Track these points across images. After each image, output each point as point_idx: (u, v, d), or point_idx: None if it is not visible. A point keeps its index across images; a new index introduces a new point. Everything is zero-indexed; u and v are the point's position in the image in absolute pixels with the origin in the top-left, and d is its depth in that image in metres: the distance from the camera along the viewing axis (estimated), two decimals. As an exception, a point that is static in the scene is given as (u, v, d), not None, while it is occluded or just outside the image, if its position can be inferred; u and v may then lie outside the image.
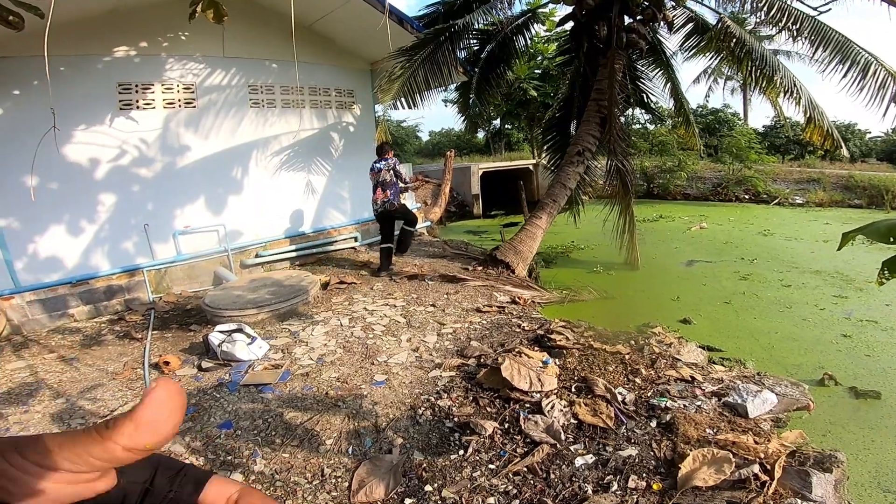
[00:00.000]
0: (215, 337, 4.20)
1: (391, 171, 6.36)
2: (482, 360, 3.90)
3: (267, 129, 7.30)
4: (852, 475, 2.69)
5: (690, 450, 2.63)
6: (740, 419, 3.05)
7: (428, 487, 2.54)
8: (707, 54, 7.90)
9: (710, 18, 7.57)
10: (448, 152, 13.89)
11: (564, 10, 7.40)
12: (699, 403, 3.25)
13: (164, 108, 6.32)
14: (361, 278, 6.43)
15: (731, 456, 2.53)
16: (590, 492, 2.47)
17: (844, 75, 5.92)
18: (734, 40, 6.19)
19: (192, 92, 6.53)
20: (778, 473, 2.43)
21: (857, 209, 13.84)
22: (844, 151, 6.71)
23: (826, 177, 15.54)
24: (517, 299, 5.51)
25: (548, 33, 16.70)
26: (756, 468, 2.47)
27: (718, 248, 8.97)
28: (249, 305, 4.99)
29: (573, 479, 2.55)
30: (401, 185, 6.51)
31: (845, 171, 15.91)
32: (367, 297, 5.60)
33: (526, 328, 4.64)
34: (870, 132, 26.26)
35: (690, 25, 7.65)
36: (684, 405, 3.23)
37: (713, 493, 2.35)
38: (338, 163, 8.16)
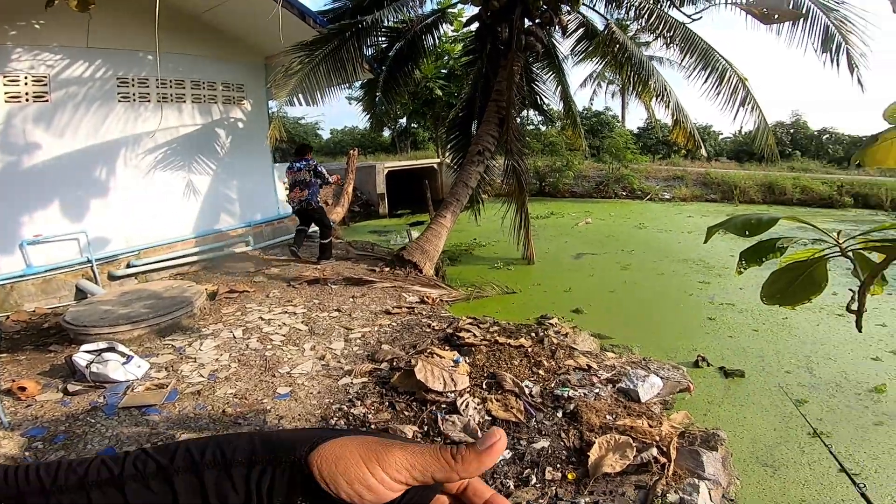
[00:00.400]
0: (81, 357, 3.64)
1: (311, 172, 6.49)
2: (395, 364, 3.83)
3: (139, 126, 6.48)
4: (734, 451, 2.98)
5: (595, 437, 2.82)
6: (634, 404, 3.33)
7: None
8: (594, 59, 8.59)
9: (599, 24, 8.23)
10: (351, 151, 13.49)
11: (472, 10, 7.58)
12: (597, 391, 3.50)
13: (7, 102, 5.37)
14: (255, 286, 5.97)
15: (631, 441, 2.74)
16: (512, 487, 2.53)
17: (705, 80, 6.78)
18: (618, 46, 6.79)
19: (45, 85, 5.63)
20: (674, 455, 2.68)
21: (713, 203, 16.11)
22: (703, 151, 7.71)
23: (688, 174, 17.85)
24: (426, 299, 5.52)
25: (455, 33, 16.97)
26: (654, 451, 2.71)
27: (602, 241, 9.84)
28: (122, 321, 4.38)
29: (495, 475, 2.60)
30: (322, 181, 6.65)
31: (703, 170, 18.41)
32: (263, 306, 5.22)
33: (436, 327, 4.65)
34: (722, 133, 30.65)
35: (581, 31, 8.26)
36: (584, 393, 3.45)
37: (622, 479, 2.53)
38: (225, 161, 7.50)
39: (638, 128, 26.24)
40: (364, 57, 7.18)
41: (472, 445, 0.44)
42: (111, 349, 3.74)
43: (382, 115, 9.68)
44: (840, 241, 1.38)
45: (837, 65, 6.23)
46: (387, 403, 3.33)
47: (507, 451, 2.79)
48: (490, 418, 3.16)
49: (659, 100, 7.53)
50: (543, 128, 21.62)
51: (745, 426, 3.43)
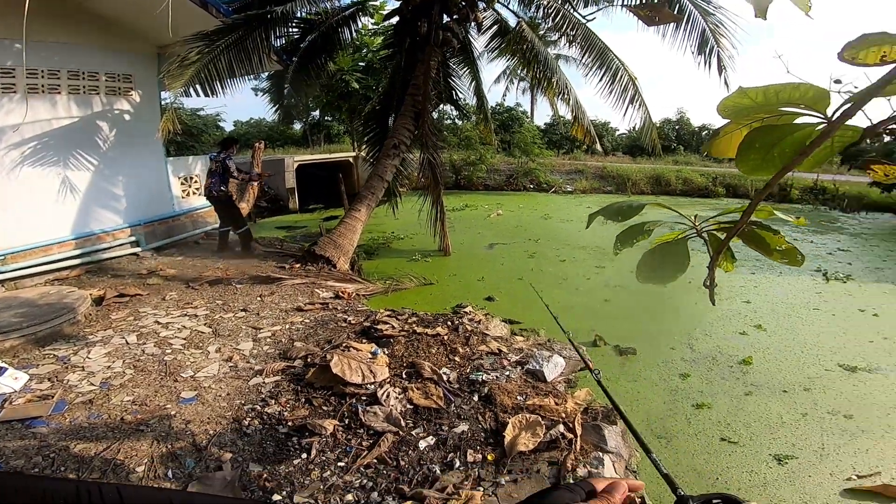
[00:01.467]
0: None
1: (219, 164, 6.78)
2: (309, 360, 3.74)
3: (2, 118, 5.60)
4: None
5: (509, 417, 2.99)
6: (541, 384, 3.58)
7: (276, 497, 2.37)
8: (506, 55, 8.95)
9: (512, 22, 8.52)
10: (256, 143, 12.77)
11: (393, 4, 7.49)
12: (508, 373, 3.71)
13: None
14: (148, 289, 5.48)
15: (540, 419, 2.94)
16: (438, 472, 2.60)
17: (601, 79, 7.34)
18: (526, 43, 7.11)
19: None
20: (579, 431, 2.92)
21: (609, 194, 17.53)
22: (599, 147, 8.36)
23: (588, 168, 19.25)
24: (341, 294, 5.42)
25: (375, 26, 16.62)
26: (561, 428, 2.93)
27: (512, 231, 10.32)
28: None
29: (421, 462, 2.66)
30: (228, 175, 6.79)
31: (601, 164, 19.95)
32: (159, 310, 4.81)
33: (352, 321, 4.60)
34: (618, 130, 33.33)
35: (495, 27, 8.50)
36: (497, 376, 3.64)
37: (536, 456, 2.71)
38: (109, 157, 6.74)
39: (545, 123, 27.72)
40: (272, 48, 6.83)
41: (612, 492, 0.64)
42: None
43: (292, 107, 9.27)
44: (697, 224, 1.61)
45: (709, 66, 7.08)
46: (303, 400, 3.25)
47: (431, 437, 2.87)
48: (412, 406, 3.23)
49: (561, 97, 8.03)
50: (459, 122, 22.09)
51: (640, 400, 3.75)
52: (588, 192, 17.74)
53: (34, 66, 5.84)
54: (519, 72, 25.45)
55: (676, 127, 30.87)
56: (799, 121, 0.95)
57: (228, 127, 30.66)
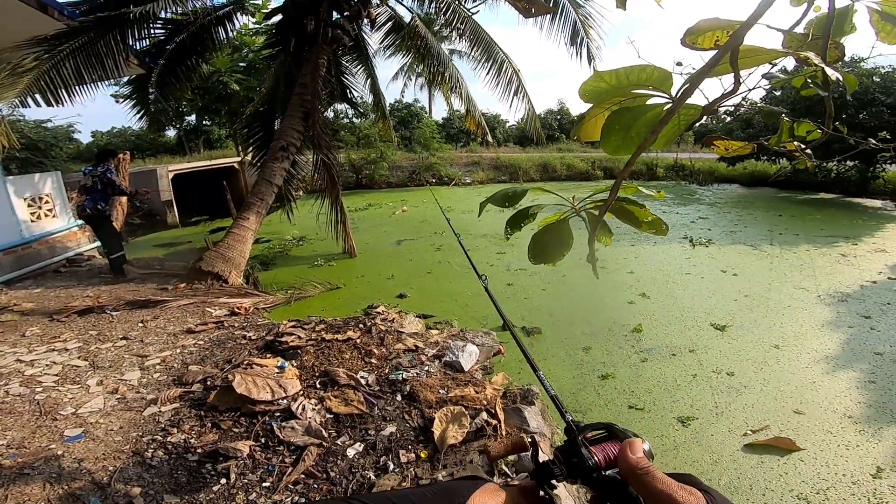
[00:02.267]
0: None
1: (96, 178, 6.14)
2: (209, 383, 3.41)
3: None
4: (547, 403, 3.32)
5: (434, 412, 2.99)
6: (459, 374, 3.63)
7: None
8: (402, 52, 8.89)
9: (407, 19, 8.46)
10: (120, 154, 11.36)
11: (277, 1, 6.99)
12: (427, 368, 3.71)
13: None
14: (3, 326, 4.62)
15: (464, 409, 2.98)
16: (373, 477, 2.52)
17: (488, 72, 7.61)
18: (420, 39, 7.11)
19: None
20: (501, 416, 3.00)
21: (504, 184, 18.36)
22: (489, 138, 8.69)
23: (484, 160, 20.00)
24: (237, 309, 5.03)
25: (256, 25, 15.50)
26: (485, 415, 2.99)
27: (417, 227, 10.39)
28: None
29: (353, 470, 2.56)
30: (112, 190, 6.22)
31: (494, 155, 20.82)
32: (19, 347, 4.08)
33: (252, 337, 4.29)
34: (508, 122, 34.96)
35: (390, 24, 8.38)
36: (417, 373, 3.62)
37: (467, 447, 2.73)
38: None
39: (442, 118, 28.21)
40: (131, 50, 6.04)
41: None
42: None
43: (160, 113, 8.32)
44: (575, 205, 1.73)
45: (580, 57, 7.68)
46: (209, 424, 2.97)
47: (359, 443, 2.79)
48: (332, 415, 3.10)
49: (454, 90, 8.21)
50: (357, 121, 21.59)
51: (551, 378, 3.91)
52: (485, 183, 18.43)
53: None
54: (416, 68, 25.65)
55: (559, 117, 33.28)
56: (651, 102, 1.06)
57: (85, 138, 26.99)
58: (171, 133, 25.67)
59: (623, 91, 1.05)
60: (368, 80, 9.28)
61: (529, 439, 0.80)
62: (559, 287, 6.21)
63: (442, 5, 7.63)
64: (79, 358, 3.81)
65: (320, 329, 4.51)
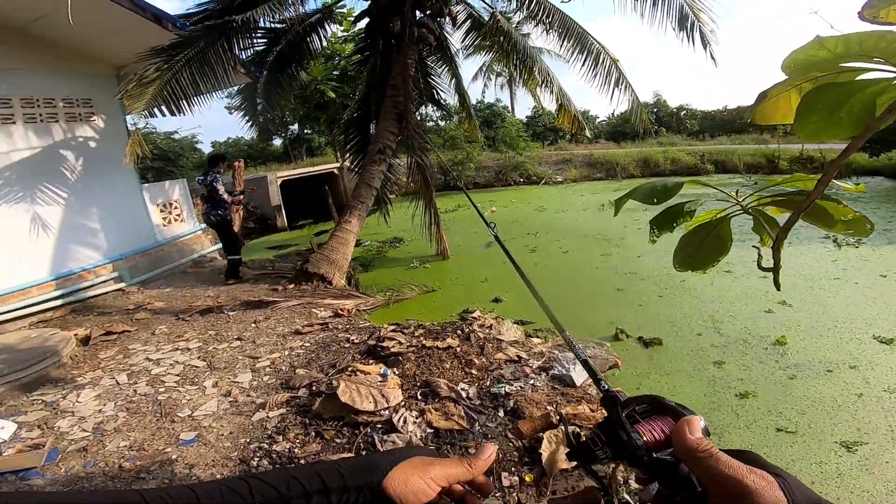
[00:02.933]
0: None
1: (208, 186, 6.43)
2: (314, 388, 3.43)
3: None
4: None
5: (541, 432, 2.69)
6: (570, 389, 3.29)
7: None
8: (483, 50, 8.71)
9: (486, 16, 8.27)
10: (236, 162, 12.40)
11: (363, 5, 7.22)
12: (532, 382, 3.42)
13: None
14: (137, 324, 5.13)
15: (578, 430, 2.65)
16: None
17: (583, 64, 7.11)
18: (503, 35, 6.87)
19: None
20: None
21: (600, 181, 17.37)
22: (588, 133, 8.13)
23: (575, 157, 19.09)
24: (340, 311, 5.11)
25: (345, 33, 16.34)
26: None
27: (508, 227, 10.06)
28: None
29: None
30: (225, 198, 6.51)
31: (587, 152, 19.80)
32: (149, 346, 4.48)
33: (355, 341, 4.29)
34: (599, 117, 33.32)
35: (469, 22, 8.24)
36: (521, 387, 3.35)
37: (580, 472, 2.42)
38: (79, 188, 6.36)
39: (527, 117, 27.56)
40: (237, 59, 6.49)
41: (476, 455, 0.59)
42: None
43: (268, 122, 8.92)
44: (741, 200, 1.35)
45: (692, 41, 6.87)
46: (313, 434, 2.95)
47: None
48: (432, 430, 2.94)
49: (543, 86, 7.80)
50: (442, 123, 21.80)
51: (677, 395, 3.46)
52: (578, 181, 17.56)
53: None
54: (496, 67, 25.35)
55: (654, 110, 31.00)
56: (864, 77, 0.80)
57: (206, 148, 30.16)
58: (277, 142, 27.88)
59: (837, 63, 0.79)
60: (453, 81, 9.17)
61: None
62: (678, 293, 5.55)
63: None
64: (198, 358, 4.06)
65: (419, 335, 4.41)
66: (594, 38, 7.33)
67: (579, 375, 3.40)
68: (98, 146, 6.67)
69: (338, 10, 8.50)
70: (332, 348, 4.15)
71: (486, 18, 8.04)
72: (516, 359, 3.80)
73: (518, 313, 5.26)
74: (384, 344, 4.11)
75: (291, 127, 23.95)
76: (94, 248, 6.52)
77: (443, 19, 7.72)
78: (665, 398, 0.58)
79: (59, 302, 5.86)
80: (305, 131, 25.72)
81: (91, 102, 6.59)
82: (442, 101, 9.45)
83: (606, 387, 0.61)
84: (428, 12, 7.10)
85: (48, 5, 5.18)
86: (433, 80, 8.99)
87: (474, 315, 5.13)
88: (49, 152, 6.12)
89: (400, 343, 4.14)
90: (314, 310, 5.16)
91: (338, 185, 16.57)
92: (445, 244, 7.66)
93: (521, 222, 10.35)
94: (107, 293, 6.40)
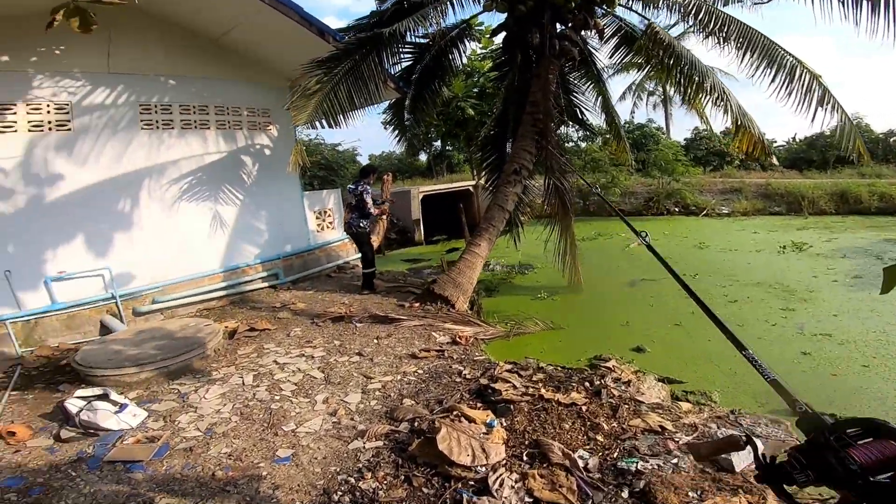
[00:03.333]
0: (72, 404, 3.38)
1: (356, 196, 6.63)
2: (416, 425, 3.19)
3: (163, 154, 6.34)
4: None
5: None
6: (726, 475, 2.54)
7: None
8: (634, 67, 7.89)
9: (639, 30, 7.49)
10: (385, 176, 13.23)
11: (499, 19, 7.12)
12: (675, 460, 2.73)
13: (30, 131, 5.32)
14: (278, 322, 5.55)
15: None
16: None
17: (773, 79, 5.89)
18: (663, 48, 6.08)
19: (67, 112, 5.57)
20: None
21: (778, 216, 14.60)
22: (774, 160, 6.73)
23: (747, 186, 16.40)
24: (458, 338, 4.87)
25: (483, 51, 16.78)
26: None
27: (658, 265, 8.83)
28: (128, 363, 4.10)
29: None
30: (371, 210, 6.69)
31: (763, 180, 16.90)
32: (281, 347, 4.77)
33: (468, 376, 3.98)
34: (775, 141, 28.49)
35: (619, 37, 7.54)
36: (658, 465, 2.69)
37: None
38: (252, 190, 7.25)
39: (685, 139, 24.75)
40: (387, 74, 6.81)
41: None
42: (104, 396, 3.44)
43: (414, 137, 9.30)
44: None
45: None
46: (402, 477, 2.70)
47: None
48: (531, 500, 2.47)
49: (717, 103, 6.67)
50: (583, 144, 20.75)
51: None
52: (750, 215, 15.00)
53: (186, 102, 6.51)
54: (647, 85, 23.30)
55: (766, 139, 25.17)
56: None
57: (364, 161, 33.33)
58: (422, 157, 29.52)
59: None
60: (599, 99, 8.41)
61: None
62: (893, 362, 4.15)
63: (690, 8, 6.24)
64: (319, 368, 4.15)
65: (538, 380, 3.92)
66: (785, 50, 6.06)
67: (741, 459, 2.60)
68: (271, 154, 7.55)
69: (476, 28, 8.46)
70: (443, 380, 3.90)
71: (640, 32, 7.26)
72: (658, 429, 3.09)
73: (665, 369, 4.47)
74: (496, 386, 3.72)
75: (435, 143, 25.12)
76: (257, 246, 7.37)
77: (588, 32, 7.12)
78: (887, 422, 0.58)
79: (222, 293, 6.70)
80: (447, 148, 26.79)
81: (269, 112, 7.49)
82: (585, 120, 8.79)
83: (804, 407, 0.66)
84: (570, 25, 6.59)
85: (234, 19, 5.99)
86: (576, 97, 8.39)
87: (608, 365, 4.45)
88: (232, 157, 7.07)
89: (514, 387, 3.72)
90: (434, 333, 5.01)
91: (472, 202, 16.72)
92: (580, 276, 6.98)
93: (677, 260, 9.04)
94: (262, 289, 7.17)
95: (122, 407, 3.33)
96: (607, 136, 8.96)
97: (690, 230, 12.64)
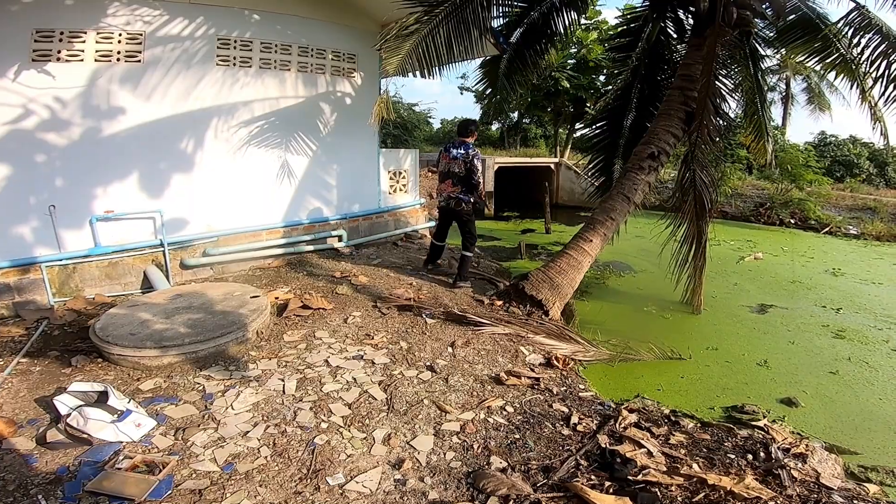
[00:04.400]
0: (63, 402, 2.65)
1: (467, 164, 5.11)
2: (511, 506, 2.21)
3: (236, 93, 5.60)
4: None
5: None
6: None
7: None
8: (805, 52, 6.23)
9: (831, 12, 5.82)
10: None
11: None
12: None
13: (97, 61, 4.70)
14: (336, 300, 4.72)
15: None
16: None
17: None
18: (879, 33, 4.56)
19: (140, 43, 4.91)
20: None
21: (924, 246, 12.07)
22: None
23: (883, 205, 13.76)
24: (554, 360, 3.81)
25: (588, 21, 15.02)
26: None
27: (787, 288, 7.23)
28: (151, 342, 3.32)
29: None
30: (476, 182, 5.18)
31: (906, 201, 14.14)
32: (336, 338, 3.89)
33: (578, 426, 2.92)
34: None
35: (796, 15, 5.82)
36: None
37: None
38: (326, 141, 6.41)
39: (807, 143, 21.46)
40: (490, 28, 5.66)
41: None
42: (104, 396, 2.68)
43: (504, 100, 8.02)
44: None
45: None
46: None
47: None
48: None
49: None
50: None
51: None
52: (885, 239, 12.51)
53: (268, 40, 5.72)
54: (770, 79, 20.06)
55: None
56: None
57: (437, 124, 32.10)
58: (494, 127, 27.96)
59: None
60: (745, 83, 6.68)
61: None
62: None
63: None
64: (379, 383, 3.21)
65: (678, 443, 2.83)
66: None
67: None
68: (352, 104, 6.64)
69: None
70: (545, 430, 2.86)
71: (828, 18, 5.59)
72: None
73: (827, 432, 3.37)
74: (622, 448, 2.66)
75: (511, 114, 23.53)
76: (325, 202, 6.58)
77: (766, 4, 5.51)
78: None
79: (280, 251, 6.00)
80: (524, 120, 25.05)
81: (355, 58, 6.54)
82: (719, 107, 7.09)
83: None
84: None
85: None
86: (721, 80, 6.73)
87: (761, 424, 3.30)
88: (311, 103, 6.23)
89: (649, 454, 2.64)
90: (521, 347, 3.96)
91: (552, 181, 15.30)
92: (702, 294, 5.63)
93: (808, 286, 7.37)
94: (325, 250, 6.41)
95: (123, 415, 2.53)
96: (747, 130, 7.21)
97: (813, 249, 10.60)
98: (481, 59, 7.33)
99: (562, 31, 6.61)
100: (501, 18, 6.67)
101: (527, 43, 6.56)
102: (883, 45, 4.97)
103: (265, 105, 5.82)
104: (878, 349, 4.98)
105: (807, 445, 2.94)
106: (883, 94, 5.17)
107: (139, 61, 4.93)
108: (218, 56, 5.40)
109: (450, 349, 3.76)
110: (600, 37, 15.39)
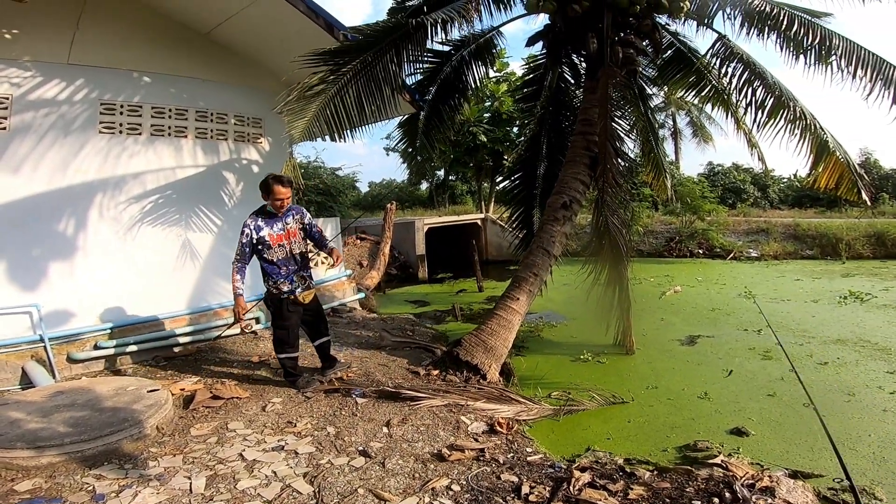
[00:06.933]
0: None
1: (302, 227, 4.23)
2: None
3: (123, 164, 5.15)
4: None
5: None
6: None
7: None
8: (683, 87, 6.92)
9: (699, 48, 6.53)
10: (388, 205, 12.07)
11: (531, 31, 6.11)
12: None
13: None
14: (252, 387, 4.17)
15: None
16: None
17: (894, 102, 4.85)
18: (743, 62, 5.11)
19: (5, 108, 4.43)
20: None
21: (812, 260, 13.49)
22: (865, 196, 5.61)
23: (773, 227, 15.37)
24: (497, 425, 3.51)
25: (497, 73, 16.03)
26: None
27: (709, 316, 7.58)
28: (23, 442, 2.75)
29: None
30: (317, 247, 4.51)
31: (790, 220, 15.92)
32: (252, 428, 3.37)
33: (531, 497, 2.61)
34: (783, 178, 27.87)
35: (672, 51, 6.51)
36: None
37: None
38: (232, 214, 5.95)
39: (699, 175, 23.98)
40: (405, 85, 5.73)
41: None
42: None
43: (425, 160, 8.12)
44: None
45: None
46: None
47: None
48: None
49: (793, 131, 5.61)
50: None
51: None
52: (781, 258, 13.86)
53: (161, 104, 5.37)
54: (658, 116, 22.62)
55: (861, 170, 24.83)
56: None
57: (364, 188, 32.19)
58: (423, 186, 28.59)
59: None
60: (636, 122, 7.29)
61: None
62: None
63: (776, 22, 5.27)
64: (304, 475, 2.74)
65: (638, 496, 2.63)
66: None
67: None
68: (260, 172, 6.27)
69: (493, 50, 7.24)
70: (496, 509, 2.52)
71: (698, 52, 6.33)
72: None
73: (785, 458, 3.33)
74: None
75: (438, 172, 24.29)
76: (235, 282, 6.03)
77: (650, 39, 6.08)
78: None
79: (188, 339, 5.31)
80: (450, 178, 25.89)
81: (261, 122, 6.27)
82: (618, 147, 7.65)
83: None
84: (633, 30, 5.55)
85: (229, 10, 4.99)
86: (616, 122, 7.30)
87: (718, 461, 3.16)
88: (213, 173, 5.83)
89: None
90: (462, 417, 3.63)
91: (480, 237, 15.54)
92: (632, 336, 5.67)
93: (727, 312, 7.77)
94: (238, 335, 5.79)
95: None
96: (644, 168, 7.79)
97: (724, 276, 11.42)
98: (399, 118, 7.34)
99: (474, 84, 6.84)
100: (415, 76, 6.75)
101: (442, 99, 6.69)
102: (746, 73, 5.47)
103: (159, 177, 5.38)
104: (805, 364, 5.21)
105: (770, 477, 2.84)
106: (754, 120, 5.62)
107: (4, 128, 4.42)
108: (101, 122, 4.98)
109: (385, 429, 3.35)
110: (509, 88, 16.25)
